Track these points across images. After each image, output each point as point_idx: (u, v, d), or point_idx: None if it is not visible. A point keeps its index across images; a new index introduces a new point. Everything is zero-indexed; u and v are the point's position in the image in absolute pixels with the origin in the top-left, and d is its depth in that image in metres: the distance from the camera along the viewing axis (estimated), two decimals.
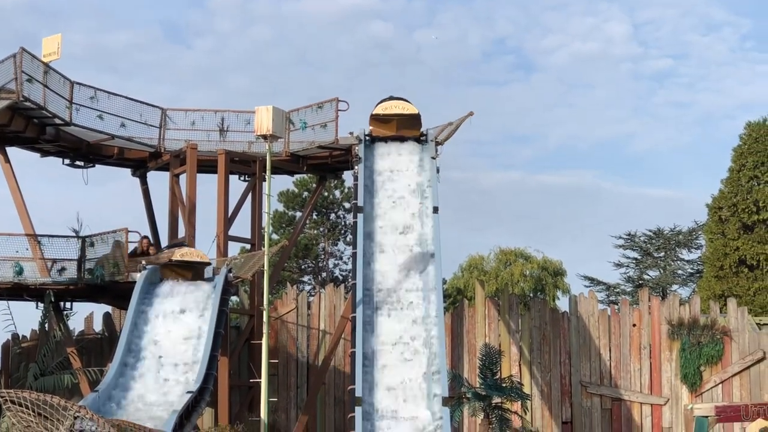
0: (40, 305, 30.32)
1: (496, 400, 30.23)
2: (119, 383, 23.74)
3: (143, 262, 27.89)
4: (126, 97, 31.46)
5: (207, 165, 31.61)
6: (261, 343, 24.05)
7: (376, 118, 29.21)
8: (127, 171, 34.00)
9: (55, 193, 74.70)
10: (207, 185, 32.07)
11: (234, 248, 34.76)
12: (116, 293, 30.14)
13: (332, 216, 58.36)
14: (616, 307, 35.44)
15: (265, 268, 24.91)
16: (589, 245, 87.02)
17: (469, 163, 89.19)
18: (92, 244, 29.71)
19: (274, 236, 49.33)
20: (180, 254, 27.69)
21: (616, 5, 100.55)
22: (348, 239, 54.66)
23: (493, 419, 30.09)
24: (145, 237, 30.75)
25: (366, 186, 27.94)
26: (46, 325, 30.81)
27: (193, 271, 27.59)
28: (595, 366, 34.21)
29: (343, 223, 57.80)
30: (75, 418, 11.79)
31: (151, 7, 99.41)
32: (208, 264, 28.00)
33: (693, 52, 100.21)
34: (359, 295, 24.93)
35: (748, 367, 33.92)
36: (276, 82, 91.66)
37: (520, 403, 31.54)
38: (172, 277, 27.27)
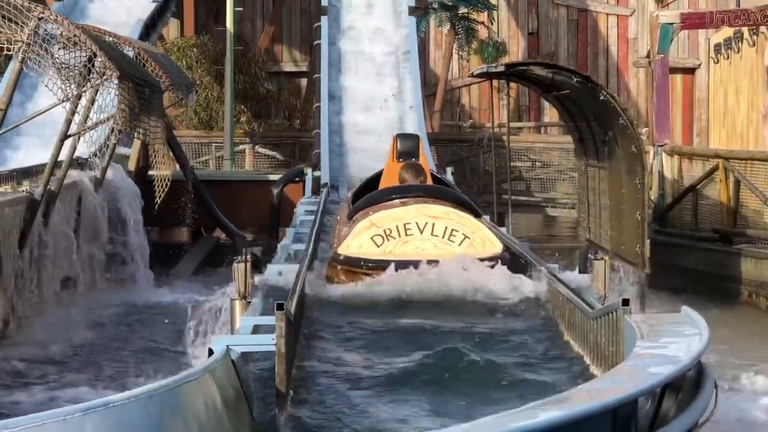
0: None
1: (463, 10, 30.27)
2: None
3: None
4: None
5: None
6: None
7: None
8: None
9: None
10: None
11: None
12: None
13: None
14: None
15: None
16: None
17: None
18: None
19: None
20: None
21: None
22: None
23: (460, 30, 30.22)
24: None
25: None
26: None
27: None
28: None
29: None
30: (39, 19, 11.70)
31: None
32: None
33: None
34: None
35: None
36: None
37: (486, 13, 31.62)
38: None
